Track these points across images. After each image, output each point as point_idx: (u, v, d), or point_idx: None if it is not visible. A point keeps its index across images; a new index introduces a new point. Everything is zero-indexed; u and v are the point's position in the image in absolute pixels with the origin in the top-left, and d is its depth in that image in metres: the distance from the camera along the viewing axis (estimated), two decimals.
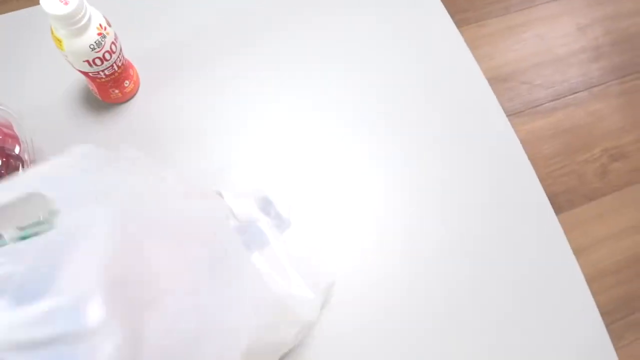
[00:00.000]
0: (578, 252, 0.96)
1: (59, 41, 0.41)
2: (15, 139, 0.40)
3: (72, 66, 0.44)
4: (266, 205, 0.44)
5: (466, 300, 0.47)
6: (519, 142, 0.57)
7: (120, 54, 0.46)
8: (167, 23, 0.55)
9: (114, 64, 0.45)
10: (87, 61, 0.43)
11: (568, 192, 1.00)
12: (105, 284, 0.22)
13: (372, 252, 0.48)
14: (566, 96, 1.07)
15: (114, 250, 0.24)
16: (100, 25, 0.42)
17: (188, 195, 0.33)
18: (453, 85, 0.56)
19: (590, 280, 0.94)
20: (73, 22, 0.39)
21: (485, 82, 0.57)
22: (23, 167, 0.39)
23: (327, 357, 0.44)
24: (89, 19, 0.41)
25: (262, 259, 0.36)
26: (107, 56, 0.44)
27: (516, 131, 1.04)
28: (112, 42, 0.44)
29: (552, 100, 1.06)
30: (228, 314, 0.29)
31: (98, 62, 0.43)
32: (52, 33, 0.41)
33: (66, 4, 0.38)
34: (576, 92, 1.07)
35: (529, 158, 1.05)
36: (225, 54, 0.54)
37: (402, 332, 0.45)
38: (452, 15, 1.08)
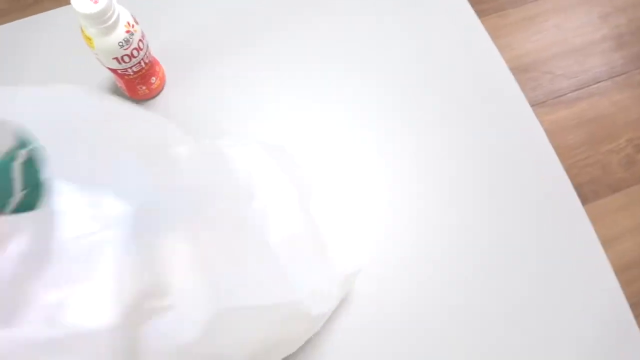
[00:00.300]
0: (603, 243, 0.95)
1: (89, 39, 0.42)
2: None
3: (102, 64, 0.45)
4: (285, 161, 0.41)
5: (491, 293, 0.47)
6: (543, 132, 0.56)
7: (147, 50, 0.47)
8: (187, 17, 0.56)
9: (142, 61, 0.46)
10: (116, 58, 0.44)
11: (592, 183, 0.99)
12: None
13: (390, 243, 0.48)
14: (589, 86, 1.05)
15: None
16: (128, 23, 0.43)
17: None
18: (476, 76, 0.56)
19: (617, 272, 0.93)
20: (103, 21, 0.40)
21: (509, 72, 0.57)
22: None
23: (335, 355, 0.44)
24: (118, 17, 0.42)
25: (280, 238, 0.34)
26: (135, 53, 0.45)
27: (540, 121, 1.04)
28: (140, 40, 0.45)
29: (575, 90, 1.05)
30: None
31: (126, 59, 0.44)
32: (83, 32, 0.43)
33: (96, 2, 0.39)
34: (599, 82, 1.06)
35: (553, 148, 1.04)
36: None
37: (424, 324, 0.45)
38: (472, 6, 1.07)
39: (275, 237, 0.33)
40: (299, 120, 0.52)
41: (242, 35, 0.56)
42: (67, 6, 0.47)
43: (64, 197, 0.24)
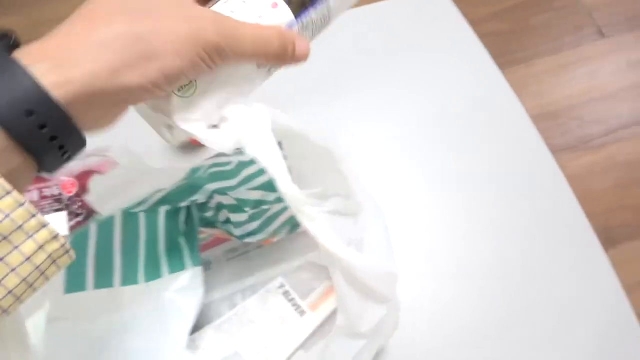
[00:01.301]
0: (634, 287, 0.95)
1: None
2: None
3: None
4: None
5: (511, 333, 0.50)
6: (564, 177, 0.60)
7: None
8: None
9: None
10: None
11: (625, 226, 1.00)
12: None
13: (422, 274, 0.53)
14: (617, 131, 1.08)
15: None
16: None
17: None
18: (498, 125, 0.61)
19: None
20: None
21: (529, 120, 0.62)
22: None
23: None
24: None
25: None
26: None
27: (569, 167, 1.07)
28: None
29: (604, 136, 1.08)
30: None
31: None
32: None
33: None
34: (628, 127, 1.09)
35: (583, 192, 1.07)
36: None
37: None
38: (501, 57, 1.13)
39: None
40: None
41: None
42: None
43: None
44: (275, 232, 0.47)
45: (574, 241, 0.55)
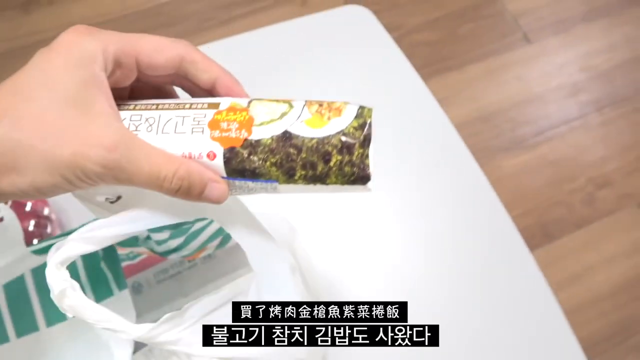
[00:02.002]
0: (573, 279, 1.00)
1: None
2: (44, 201, 0.48)
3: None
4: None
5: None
6: (487, 180, 0.62)
7: None
8: None
9: None
10: None
11: (558, 222, 1.05)
12: None
13: None
14: (548, 130, 1.14)
15: None
16: None
17: None
18: (420, 132, 0.63)
19: (589, 305, 0.98)
20: None
21: (452, 126, 0.64)
22: (51, 226, 0.46)
23: None
24: None
25: None
26: None
27: (504, 166, 1.11)
28: None
29: (535, 136, 1.13)
30: None
31: None
32: None
33: None
34: (557, 127, 1.14)
35: (519, 191, 1.11)
36: None
37: None
38: (434, 64, 1.17)
39: None
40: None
41: None
42: None
43: None
44: (201, 247, 0.47)
45: (500, 242, 0.57)
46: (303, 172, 0.27)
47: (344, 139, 0.27)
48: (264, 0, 1.24)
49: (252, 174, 0.28)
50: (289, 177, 0.27)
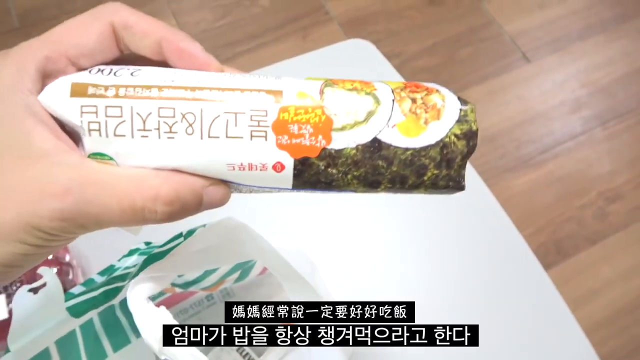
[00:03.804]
0: (591, 295, 0.99)
1: None
2: (65, 248, 0.49)
3: None
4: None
5: None
6: (497, 201, 0.63)
7: None
8: None
9: None
10: None
11: (571, 238, 1.05)
12: None
13: None
14: (554, 147, 1.14)
15: None
16: None
17: None
18: None
19: (608, 321, 0.96)
20: None
21: None
22: (73, 272, 0.47)
23: None
24: None
25: None
26: None
27: (512, 186, 1.12)
28: None
29: (541, 153, 1.14)
30: None
31: None
32: None
33: None
34: (563, 143, 1.15)
35: (528, 209, 1.11)
36: None
37: None
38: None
39: None
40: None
41: None
42: None
43: None
44: (219, 281, 0.47)
45: (515, 263, 0.58)
46: (389, 186, 0.23)
47: (445, 151, 0.22)
48: (266, 37, 1.27)
49: (327, 186, 0.22)
50: (371, 188, 0.23)
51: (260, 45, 1.25)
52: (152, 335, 0.27)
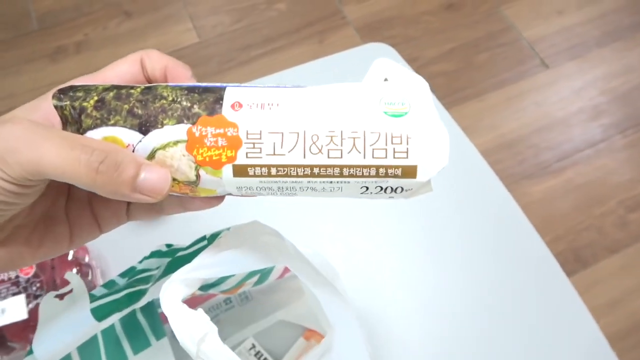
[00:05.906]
0: (613, 304, 0.97)
1: None
2: (84, 249, 0.48)
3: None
4: None
5: None
6: (518, 207, 0.62)
7: None
8: None
9: None
10: None
11: (590, 246, 1.03)
12: None
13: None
14: (573, 155, 1.12)
15: None
16: None
17: None
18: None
19: (632, 331, 0.94)
20: None
21: (479, 154, 0.64)
22: (92, 273, 0.47)
23: None
24: None
25: None
26: None
27: (530, 193, 1.10)
28: None
29: (560, 160, 1.12)
30: None
31: None
32: None
33: None
34: (582, 150, 1.13)
35: (547, 217, 1.09)
36: None
37: None
38: (453, 94, 1.18)
39: None
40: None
41: None
42: None
43: None
44: (239, 284, 0.47)
45: (537, 270, 0.57)
46: None
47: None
48: (281, 40, 1.27)
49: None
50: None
51: (276, 49, 1.25)
52: (189, 337, 0.26)
